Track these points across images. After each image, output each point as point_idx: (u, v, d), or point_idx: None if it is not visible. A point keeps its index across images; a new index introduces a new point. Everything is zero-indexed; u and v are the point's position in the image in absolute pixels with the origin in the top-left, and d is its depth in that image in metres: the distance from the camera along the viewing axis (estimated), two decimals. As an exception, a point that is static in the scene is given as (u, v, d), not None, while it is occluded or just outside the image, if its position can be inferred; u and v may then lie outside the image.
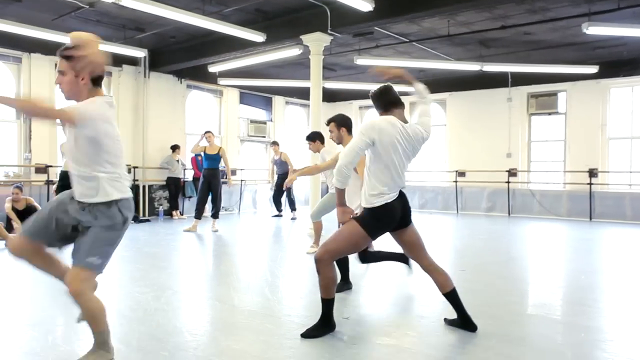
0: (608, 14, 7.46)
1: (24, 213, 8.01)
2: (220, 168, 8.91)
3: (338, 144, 4.62)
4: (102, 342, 2.61)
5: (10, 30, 8.17)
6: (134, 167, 10.74)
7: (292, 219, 11.00)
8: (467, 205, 13.04)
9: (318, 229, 6.34)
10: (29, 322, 3.42)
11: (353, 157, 3.11)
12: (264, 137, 13.85)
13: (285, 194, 11.41)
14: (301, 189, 13.27)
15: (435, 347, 3.09)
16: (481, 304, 4.08)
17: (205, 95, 12.71)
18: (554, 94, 12.22)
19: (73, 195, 2.60)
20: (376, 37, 9.49)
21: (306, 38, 8.33)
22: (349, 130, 4.57)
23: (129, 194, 2.64)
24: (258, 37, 8.37)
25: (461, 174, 13.14)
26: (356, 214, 3.32)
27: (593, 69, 10.57)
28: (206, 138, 8.88)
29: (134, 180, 10.73)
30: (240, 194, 12.78)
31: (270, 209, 12.45)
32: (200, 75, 11.80)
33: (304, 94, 13.52)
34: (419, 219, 11.50)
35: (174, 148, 11.18)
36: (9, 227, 7.70)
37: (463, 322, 3.36)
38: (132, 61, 10.80)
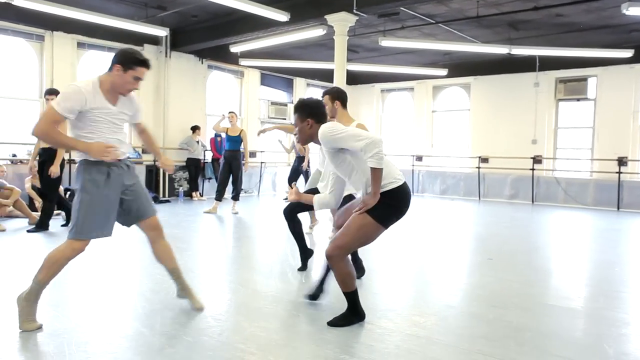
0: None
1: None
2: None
3: (331, 117, 4.18)
4: None
5: (34, 8, 8.12)
6: (155, 148, 10.69)
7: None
8: (489, 192, 12.80)
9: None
10: (52, 302, 3.38)
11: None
12: (285, 119, 13.71)
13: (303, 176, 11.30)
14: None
15: (467, 340, 2.97)
16: (512, 295, 3.95)
17: (226, 76, 12.60)
18: (583, 79, 11.84)
19: (114, 171, 2.97)
20: (402, 18, 9.24)
21: (331, 18, 8.13)
22: (344, 104, 4.24)
23: None
24: (281, 16, 8.19)
25: (484, 160, 12.88)
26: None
27: (627, 53, 10.18)
28: (229, 119, 8.79)
29: (154, 160, 10.70)
30: (260, 176, 12.72)
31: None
32: (221, 56, 11.68)
33: (325, 75, 13.37)
34: (440, 205, 11.37)
35: (194, 129, 11.13)
36: (31, 205, 7.75)
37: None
38: (154, 40, 10.72)
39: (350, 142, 2.95)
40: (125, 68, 2.91)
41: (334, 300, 3.59)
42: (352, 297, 3.15)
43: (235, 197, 8.79)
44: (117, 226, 3.19)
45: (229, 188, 8.95)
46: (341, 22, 8.13)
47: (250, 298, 3.73)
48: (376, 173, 2.94)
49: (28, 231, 6.30)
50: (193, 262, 4.85)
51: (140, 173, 10.54)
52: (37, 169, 6.39)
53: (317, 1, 8.30)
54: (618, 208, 10.82)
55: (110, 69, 2.94)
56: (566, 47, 10.41)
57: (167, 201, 10.51)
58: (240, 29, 9.61)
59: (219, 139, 11.44)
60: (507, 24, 9.57)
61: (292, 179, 9.22)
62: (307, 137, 3.20)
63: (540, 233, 7.89)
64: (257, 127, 13.15)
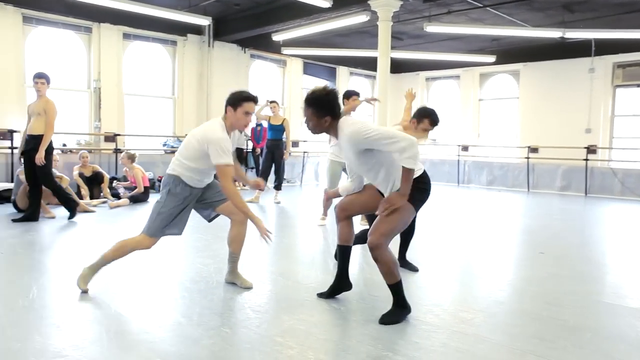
0: None
1: (91, 179, 8.25)
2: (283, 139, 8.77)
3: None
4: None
5: (82, 0, 8.27)
6: (198, 137, 10.80)
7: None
8: (539, 183, 12.30)
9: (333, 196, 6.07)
10: (93, 290, 3.39)
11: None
12: (327, 108, 13.57)
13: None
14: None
15: (519, 339, 2.78)
16: (566, 292, 3.71)
17: (268, 65, 12.56)
18: (644, 64, 11.14)
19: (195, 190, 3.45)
20: (448, 2, 8.91)
21: (374, 3, 7.91)
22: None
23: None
24: (324, 2, 8.03)
25: (533, 149, 12.36)
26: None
27: (693, 35, 9.50)
28: (271, 108, 8.73)
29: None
30: (303, 165, 12.65)
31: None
32: (263, 45, 11.62)
33: (369, 64, 13.12)
34: (486, 197, 10.99)
35: (237, 118, 11.12)
36: (78, 194, 7.94)
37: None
38: (197, 30, 10.77)
39: (386, 144, 2.81)
40: (234, 107, 3.33)
41: (377, 293, 3.46)
42: (397, 288, 3.01)
43: (278, 187, 8.75)
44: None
45: (272, 177, 8.92)
46: (385, 7, 7.90)
47: (290, 289, 3.64)
48: (410, 174, 2.84)
49: (13, 220, 6.08)
50: (234, 252, 4.80)
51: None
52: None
53: (360, -14, 8.10)
54: (680, 201, 10.18)
55: (225, 111, 3.39)
56: (626, 29, 9.78)
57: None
58: (283, 17, 9.51)
59: (258, 128, 11.42)
60: (561, 5, 9.07)
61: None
62: (321, 130, 3.09)
63: (595, 226, 7.49)
64: (300, 116, 13.09)
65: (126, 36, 9.98)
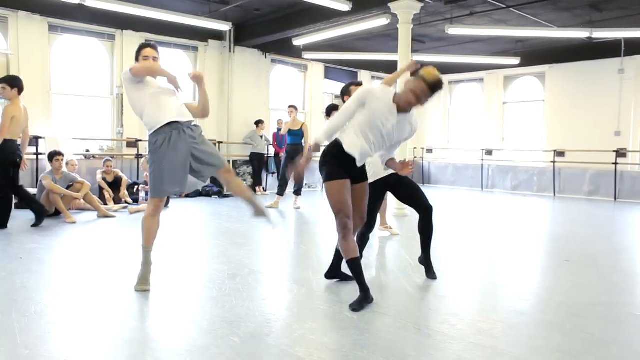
0: None
1: (113, 184, 8.34)
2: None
3: None
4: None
5: (105, 8, 8.40)
6: (219, 142, 10.85)
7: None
8: (566, 188, 11.98)
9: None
10: (106, 296, 3.38)
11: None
12: (348, 112, 13.50)
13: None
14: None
15: (540, 353, 2.64)
16: (593, 303, 3.54)
17: (289, 69, 12.55)
18: (677, 64, 10.78)
19: (183, 139, 3.42)
20: (470, 4, 8.76)
21: (394, 5, 7.81)
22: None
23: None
24: (343, 5, 7.98)
25: (560, 153, 12.06)
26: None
27: None
28: (289, 113, 8.71)
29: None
30: (323, 170, 12.57)
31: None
32: (284, 49, 11.63)
33: (391, 67, 12.95)
34: (511, 202, 10.75)
35: (258, 123, 11.15)
36: (101, 197, 8.03)
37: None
38: (218, 36, 10.84)
39: None
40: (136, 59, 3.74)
41: (393, 302, 3.36)
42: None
43: (297, 192, 8.70)
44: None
45: (291, 183, 8.89)
46: (405, 9, 7.79)
47: (304, 297, 3.57)
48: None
49: (32, 225, 6.07)
50: (250, 259, 4.76)
51: (205, 167, 10.69)
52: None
53: (379, -12, 8.02)
54: None
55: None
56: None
57: (231, 195, 10.59)
58: (302, 21, 9.49)
59: (280, 133, 11.42)
60: (588, 4, 8.83)
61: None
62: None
63: (624, 233, 7.22)
64: (321, 121, 13.05)
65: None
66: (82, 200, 7.24)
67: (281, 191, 8.62)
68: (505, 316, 3.22)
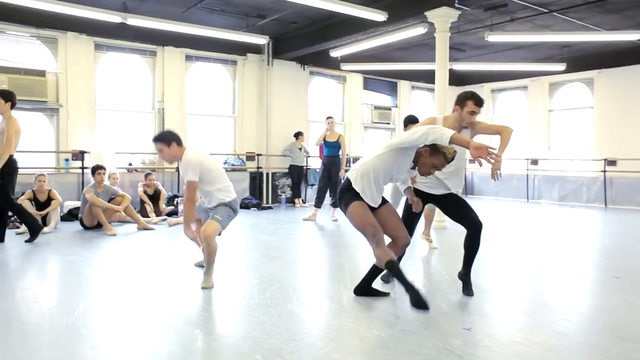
0: None
1: (153, 197, 8.52)
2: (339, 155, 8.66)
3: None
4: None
5: (147, 26, 8.66)
6: (257, 155, 10.93)
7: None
8: (618, 199, 11.41)
9: (428, 215, 5.96)
10: (133, 308, 3.40)
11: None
12: (389, 123, 13.37)
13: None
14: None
15: (581, 379, 2.46)
16: (643, 324, 3.29)
17: (328, 81, 12.55)
18: None
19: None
20: (511, 9, 8.52)
21: (431, 14, 7.68)
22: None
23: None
24: (379, 16, 7.91)
25: (611, 162, 11.51)
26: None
27: None
28: (327, 124, 8.69)
29: (258, 167, 10.93)
30: (362, 182, 12.45)
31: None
32: (322, 61, 11.65)
33: (430, 77, 12.69)
34: (558, 213, 10.31)
35: (297, 135, 11.16)
36: (142, 210, 8.20)
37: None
38: (256, 49, 10.96)
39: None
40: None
41: (423, 319, 3.23)
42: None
43: (335, 204, 8.61)
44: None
45: (329, 195, 8.83)
46: (442, 18, 7.64)
47: (333, 314, 3.48)
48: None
49: (25, 243, 5.98)
50: (282, 272, 4.70)
51: (245, 180, 10.80)
52: None
53: (415, -2, 7.91)
54: None
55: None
56: None
57: (270, 208, 10.64)
58: (339, 33, 9.47)
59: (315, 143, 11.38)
60: (639, 5, 8.42)
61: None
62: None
63: (682, 247, 6.76)
64: (361, 132, 12.97)
65: (188, 58, 10.32)
66: (122, 213, 7.41)
67: (318, 203, 8.57)
68: (544, 337, 3.03)
